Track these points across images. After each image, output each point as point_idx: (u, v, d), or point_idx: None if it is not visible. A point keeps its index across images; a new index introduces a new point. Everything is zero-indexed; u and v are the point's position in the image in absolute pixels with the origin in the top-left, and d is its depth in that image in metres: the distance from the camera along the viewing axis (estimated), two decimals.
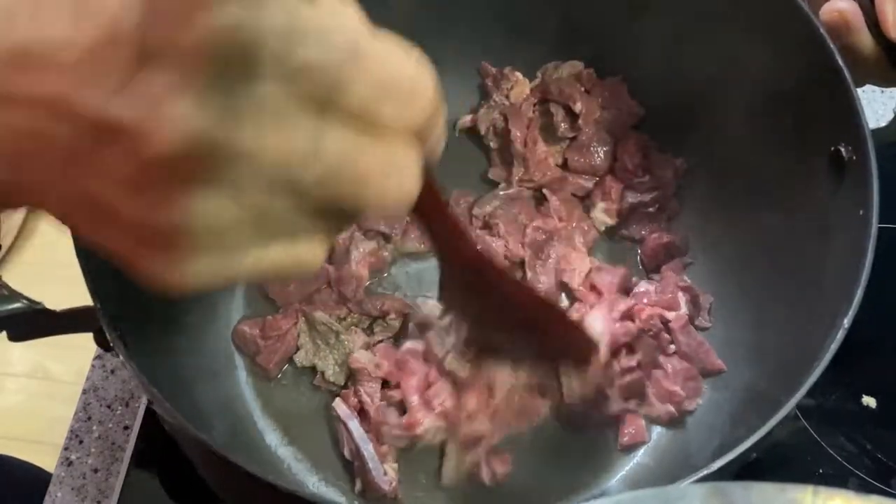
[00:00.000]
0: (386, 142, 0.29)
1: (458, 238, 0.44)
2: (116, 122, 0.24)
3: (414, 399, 0.63)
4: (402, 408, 0.64)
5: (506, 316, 0.53)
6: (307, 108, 0.27)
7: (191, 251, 0.27)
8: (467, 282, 0.48)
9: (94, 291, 0.48)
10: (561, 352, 0.60)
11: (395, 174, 0.29)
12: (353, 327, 0.70)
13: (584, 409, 0.63)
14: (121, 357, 0.47)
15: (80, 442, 0.70)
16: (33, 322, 0.48)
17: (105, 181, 0.26)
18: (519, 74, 0.79)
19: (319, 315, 0.69)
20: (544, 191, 0.76)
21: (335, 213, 0.29)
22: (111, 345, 0.48)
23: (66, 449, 0.70)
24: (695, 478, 0.43)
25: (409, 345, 0.66)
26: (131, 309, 0.52)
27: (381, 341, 0.69)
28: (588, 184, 0.76)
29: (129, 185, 0.26)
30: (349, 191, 0.28)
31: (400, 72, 0.30)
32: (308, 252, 0.30)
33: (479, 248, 0.52)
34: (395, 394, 0.64)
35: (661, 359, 0.66)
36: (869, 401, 0.70)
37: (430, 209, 0.38)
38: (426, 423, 0.62)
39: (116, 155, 0.25)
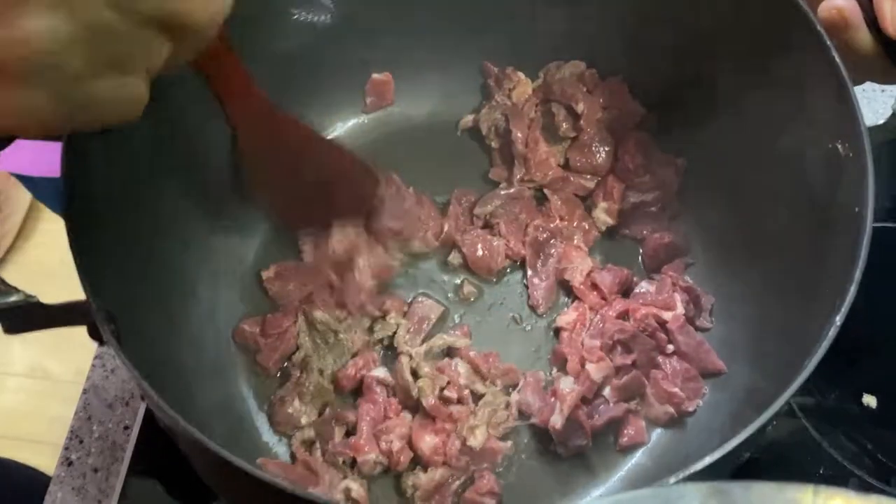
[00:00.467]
0: None
1: (248, 95, 0.53)
2: None
3: (364, 429, 0.64)
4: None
5: (306, 176, 0.61)
6: None
7: (30, 78, 0.29)
8: (265, 147, 0.56)
9: (87, 285, 0.48)
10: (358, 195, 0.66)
11: None
12: (352, 328, 0.70)
13: (562, 436, 0.64)
14: (114, 351, 0.48)
15: (81, 442, 0.70)
16: (28, 315, 0.48)
17: None
18: (521, 74, 0.79)
19: (319, 314, 0.69)
20: (545, 191, 0.76)
21: (158, 28, 0.32)
22: (105, 339, 0.48)
23: (66, 449, 0.70)
24: (686, 473, 0.43)
25: (377, 373, 0.67)
26: (128, 307, 0.52)
27: (380, 340, 0.70)
28: (589, 184, 0.76)
29: None
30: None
31: None
32: (134, 86, 0.34)
33: (266, 102, 0.57)
34: (350, 415, 0.66)
35: (660, 359, 0.66)
36: (869, 400, 0.70)
37: (221, 57, 0.46)
38: (370, 455, 0.63)
39: None
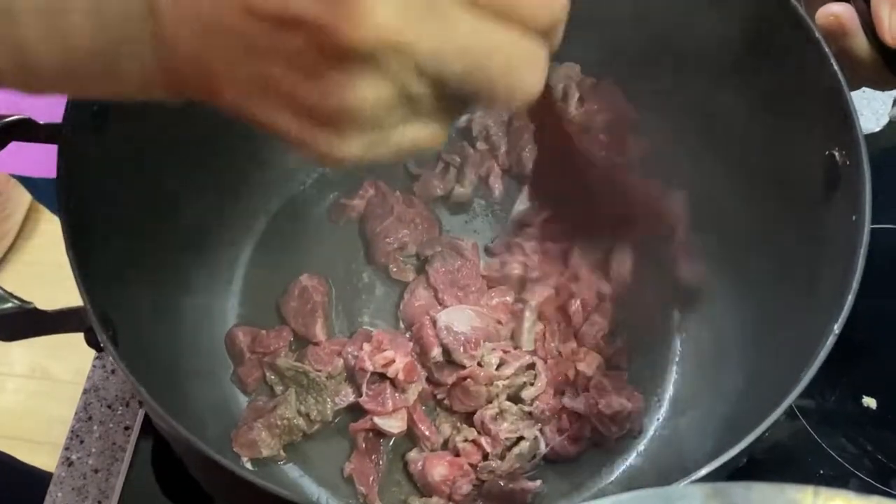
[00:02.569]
0: (523, 38, 0.32)
1: (559, 133, 0.56)
2: (304, 15, 0.29)
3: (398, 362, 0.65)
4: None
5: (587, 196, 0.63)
6: (462, 6, 0.31)
7: (354, 130, 0.32)
8: (559, 168, 0.58)
9: (85, 291, 0.48)
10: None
11: (528, 68, 0.33)
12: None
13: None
14: (111, 357, 0.47)
15: (81, 442, 0.70)
16: (24, 322, 0.48)
17: (284, 68, 0.31)
18: None
19: (282, 362, 0.67)
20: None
21: (466, 98, 0.33)
22: (102, 345, 0.48)
23: (66, 449, 0.70)
24: (685, 482, 0.43)
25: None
26: (125, 309, 0.52)
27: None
28: None
29: (306, 71, 0.30)
30: (486, 81, 0.32)
31: None
32: (437, 131, 0.35)
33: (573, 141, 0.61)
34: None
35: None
36: (869, 401, 0.70)
37: (542, 105, 0.43)
38: (398, 362, 0.65)
39: (298, 44, 0.30)
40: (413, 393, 0.66)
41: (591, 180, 0.64)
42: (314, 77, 0.30)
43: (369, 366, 0.65)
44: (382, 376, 0.65)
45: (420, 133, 0.34)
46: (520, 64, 0.33)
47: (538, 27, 0.33)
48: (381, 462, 0.65)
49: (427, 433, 0.65)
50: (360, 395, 0.65)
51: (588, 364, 0.66)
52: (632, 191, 0.69)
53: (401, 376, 0.65)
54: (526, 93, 0.33)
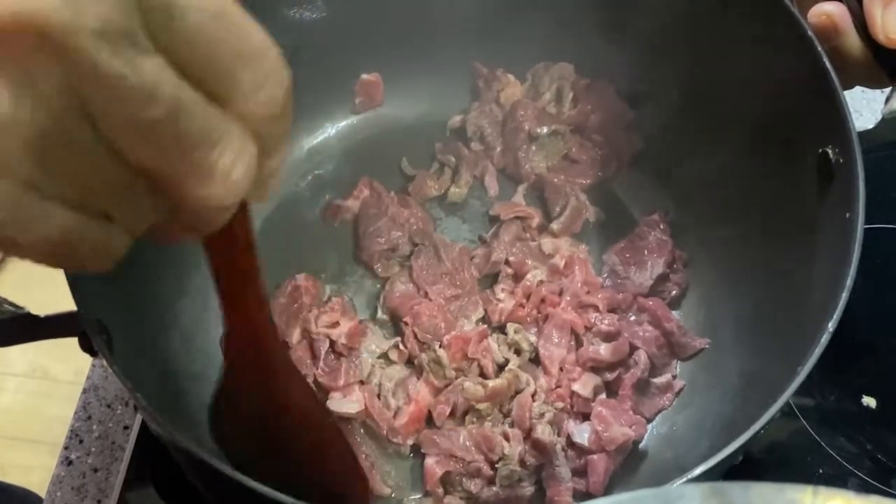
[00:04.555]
0: (229, 120, 0.27)
1: (255, 305, 0.39)
2: None
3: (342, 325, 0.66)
4: None
5: (284, 432, 0.48)
6: (166, 57, 0.25)
7: None
8: (252, 364, 0.43)
9: (77, 295, 0.47)
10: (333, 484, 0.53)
11: (227, 154, 0.27)
12: None
13: None
14: (105, 362, 0.47)
15: (80, 441, 0.70)
16: (17, 327, 0.48)
17: None
18: (511, 77, 0.78)
19: None
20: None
21: (149, 189, 0.27)
22: (96, 350, 0.48)
23: (66, 448, 0.70)
24: (681, 481, 0.43)
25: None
26: (119, 312, 0.52)
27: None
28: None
29: None
30: (178, 154, 0.26)
31: (261, 47, 0.27)
32: (107, 240, 0.28)
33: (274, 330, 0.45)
34: None
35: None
36: (869, 401, 0.70)
37: (237, 251, 0.35)
38: (342, 325, 0.66)
39: None
40: (366, 368, 0.66)
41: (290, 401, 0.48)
42: None
43: (313, 326, 0.65)
44: (339, 355, 0.66)
45: (79, 228, 0.26)
46: (224, 141, 0.26)
47: (253, 113, 0.27)
48: (366, 448, 0.64)
49: (377, 419, 0.64)
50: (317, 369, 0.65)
51: (583, 385, 0.65)
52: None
53: (343, 340, 0.65)
54: (224, 186, 0.27)
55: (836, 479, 0.65)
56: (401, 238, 0.73)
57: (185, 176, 0.27)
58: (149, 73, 0.24)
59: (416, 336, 0.67)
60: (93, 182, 0.26)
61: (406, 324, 0.68)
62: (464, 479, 0.63)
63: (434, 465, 0.63)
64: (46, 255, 0.27)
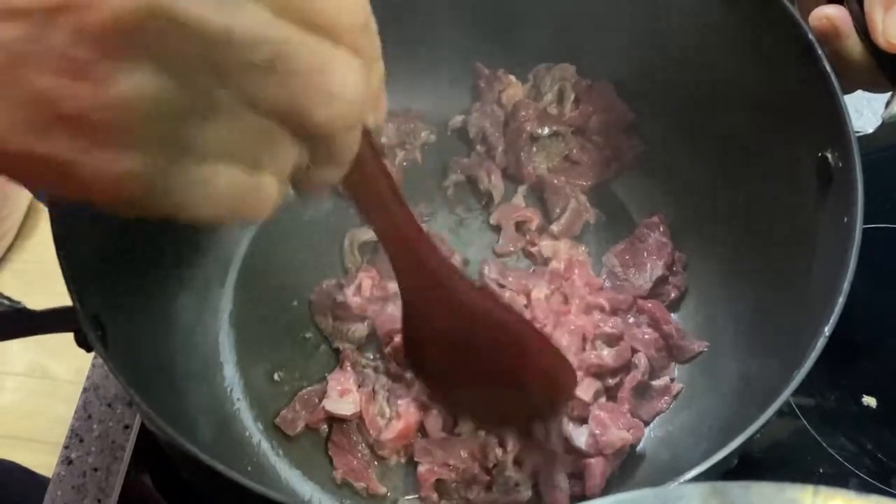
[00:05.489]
0: (327, 43, 0.29)
1: (406, 222, 0.44)
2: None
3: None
4: None
5: (472, 351, 0.51)
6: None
7: (129, 140, 0.27)
8: (426, 299, 0.47)
9: (74, 290, 0.48)
10: (537, 392, 0.55)
11: (338, 73, 0.30)
12: None
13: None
14: (100, 357, 0.47)
15: (81, 441, 0.70)
16: (13, 321, 0.48)
17: (51, 72, 0.26)
18: (512, 77, 0.78)
19: None
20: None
21: (287, 131, 0.30)
22: (91, 346, 0.48)
23: (66, 448, 0.69)
24: (679, 482, 0.43)
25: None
26: (115, 308, 0.52)
27: None
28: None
29: (74, 70, 0.26)
30: (298, 86, 0.29)
31: None
32: (263, 186, 0.31)
33: (433, 247, 0.48)
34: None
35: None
36: (869, 401, 0.70)
37: (371, 178, 0.39)
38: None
39: (62, 38, 0.25)
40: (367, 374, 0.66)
41: (472, 314, 0.51)
42: (83, 75, 0.26)
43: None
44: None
45: (239, 180, 0.30)
46: (332, 63, 0.30)
47: (342, 34, 0.30)
48: (361, 448, 0.64)
49: (369, 426, 0.64)
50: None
51: (585, 389, 0.65)
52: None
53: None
54: (345, 98, 0.30)
55: (837, 479, 0.65)
56: None
57: (311, 106, 0.30)
58: (250, 19, 0.27)
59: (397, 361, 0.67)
60: (237, 137, 0.29)
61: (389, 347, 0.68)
62: (459, 486, 0.63)
63: (427, 473, 0.63)
64: (214, 211, 0.30)
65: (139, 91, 0.26)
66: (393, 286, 0.65)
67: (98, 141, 0.27)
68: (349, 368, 0.67)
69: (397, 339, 0.65)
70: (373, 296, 0.69)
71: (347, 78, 0.30)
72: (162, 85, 0.27)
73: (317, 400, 0.66)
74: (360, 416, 0.65)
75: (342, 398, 0.65)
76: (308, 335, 0.71)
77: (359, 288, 0.69)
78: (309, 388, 0.67)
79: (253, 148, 0.30)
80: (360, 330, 0.69)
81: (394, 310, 0.68)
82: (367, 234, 0.72)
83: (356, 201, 0.42)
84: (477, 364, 0.53)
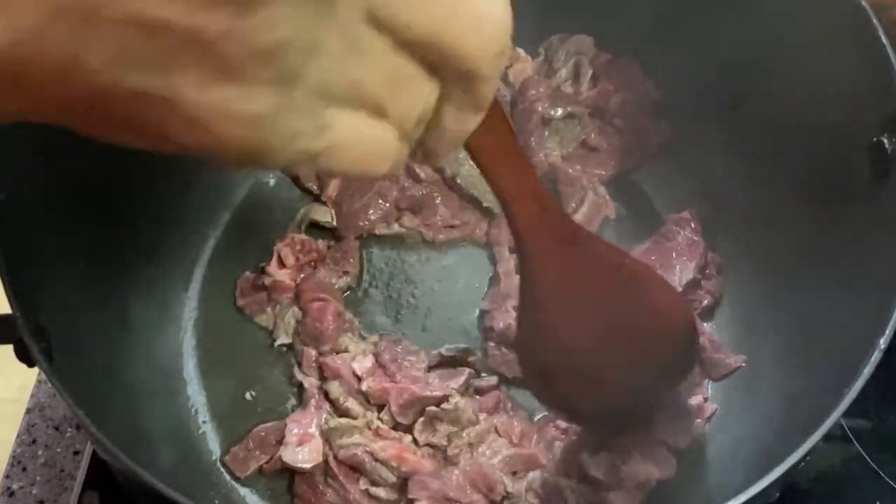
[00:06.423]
0: None
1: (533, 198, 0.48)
2: None
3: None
4: None
5: (603, 307, 0.54)
6: None
7: (267, 75, 0.28)
8: (560, 255, 0.50)
9: (13, 295, 0.48)
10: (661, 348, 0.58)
11: (492, 4, 0.31)
12: None
13: None
14: (44, 374, 0.47)
15: (24, 469, 0.70)
16: None
17: None
18: (521, 51, 0.79)
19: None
20: None
21: (427, 71, 0.31)
22: (34, 360, 0.48)
23: (7, 477, 0.70)
24: None
25: None
26: (62, 315, 0.52)
27: None
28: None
29: None
30: (447, 12, 0.30)
31: None
32: (388, 139, 0.32)
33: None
34: None
35: None
36: None
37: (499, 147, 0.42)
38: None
39: None
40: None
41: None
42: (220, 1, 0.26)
43: None
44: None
45: (373, 134, 0.31)
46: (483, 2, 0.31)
47: None
48: (331, 496, 0.64)
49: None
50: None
51: None
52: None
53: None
54: (494, 21, 0.31)
55: None
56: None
57: (460, 31, 0.30)
58: None
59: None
60: (369, 75, 0.30)
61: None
62: None
63: None
64: (334, 162, 0.31)
65: (281, 20, 0.27)
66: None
67: (227, 75, 0.27)
68: (312, 408, 0.66)
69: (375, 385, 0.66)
70: (298, 262, 0.71)
71: (494, 2, 0.31)
72: (304, 13, 0.27)
73: (274, 441, 0.65)
74: (324, 465, 0.64)
75: (301, 447, 0.64)
76: (285, 347, 0.71)
77: (280, 261, 0.71)
78: (266, 425, 0.66)
79: (382, 88, 0.31)
80: (296, 313, 0.70)
81: (323, 274, 0.71)
82: (325, 216, 0.74)
83: (482, 156, 0.44)
84: (604, 322, 0.56)
